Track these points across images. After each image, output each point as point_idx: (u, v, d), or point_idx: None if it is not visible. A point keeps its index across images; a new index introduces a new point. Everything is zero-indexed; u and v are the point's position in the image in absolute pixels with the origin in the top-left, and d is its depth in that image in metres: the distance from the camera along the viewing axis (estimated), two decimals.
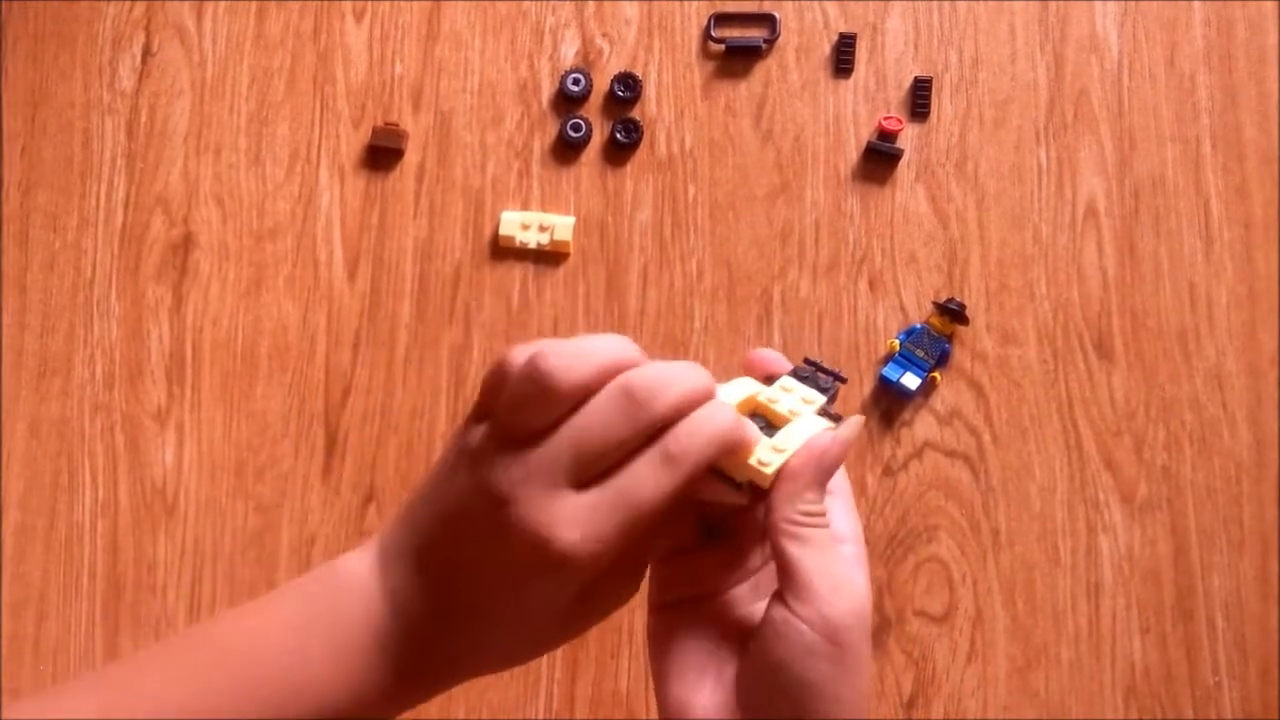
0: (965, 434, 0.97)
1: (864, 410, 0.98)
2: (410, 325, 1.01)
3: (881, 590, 0.96)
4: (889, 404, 0.98)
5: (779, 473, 0.50)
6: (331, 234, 1.03)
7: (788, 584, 0.49)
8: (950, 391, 0.98)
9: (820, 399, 0.55)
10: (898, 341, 0.98)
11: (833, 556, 0.50)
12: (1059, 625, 0.95)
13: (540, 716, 0.96)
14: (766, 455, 0.50)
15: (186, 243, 1.03)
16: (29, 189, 1.04)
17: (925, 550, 0.96)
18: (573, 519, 0.46)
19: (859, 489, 0.97)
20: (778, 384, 0.55)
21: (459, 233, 1.03)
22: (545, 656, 0.95)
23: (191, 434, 1.01)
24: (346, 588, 0.52)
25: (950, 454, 0.97)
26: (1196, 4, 1.03)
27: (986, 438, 0.97)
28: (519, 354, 0.49)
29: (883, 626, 0.96)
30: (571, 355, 0.48)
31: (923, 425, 0.98)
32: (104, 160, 1.05)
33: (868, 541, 0.96)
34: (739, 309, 1.00)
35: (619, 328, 1.00)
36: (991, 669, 0.95)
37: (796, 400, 0.54)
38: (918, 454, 0.98)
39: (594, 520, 0.46)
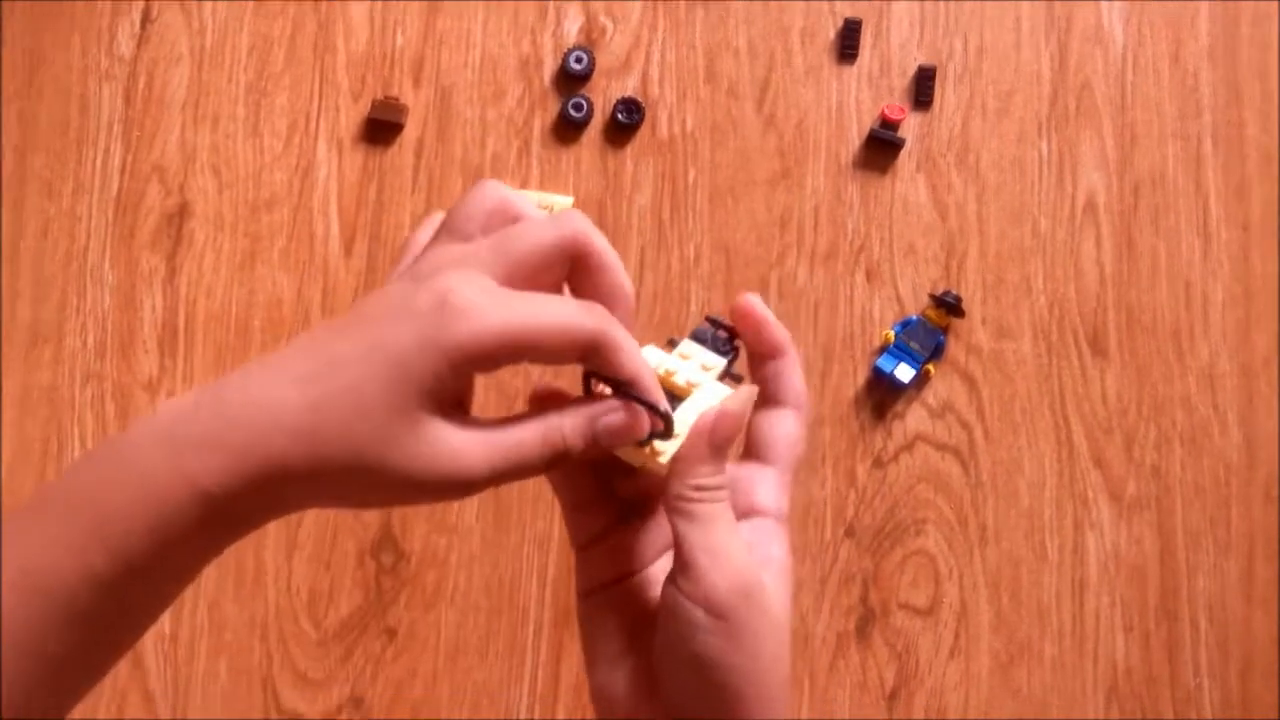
0: (957, 428, 0.98)
1: (856, 401, 0.98)
2: None
3: (867, 582, 0.97)
4: (882, 395, 0.99)
5: (676, 455, 0.50)
6: (328, 207, 1.02)
7: (676, 561, 0.49)
8: (943, 384, 0.98)
9: (721, 363, 0.54)
10: (893, 333, 0.98)
11: (718, 531, 0.49)
12: (1043, 621, 0.95)
13: (524, 698, 0.96)
14: (662, 441, 0.50)
15: (182, 212, 1.03)
16: (24, 154, 1.03)
17: (913, 543, 0.96)
18: (477, 294, 0.46)
19: (848, 479, 0.98)
20: (677, 350, 0.55)
21: None
22: (530, 639, 0.96)
23: None
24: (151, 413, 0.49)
25: (941, 447, 0.98)
26: (1203, 1, 1.02)
27: (978, 432, 0.97)
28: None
29: (867, 618, 0.96)
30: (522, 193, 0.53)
31: (914, 418, 0.98)
32: (101, 126, 1.04)
33: (856, 533, 0.97)
34: (736, 295, 0.99)
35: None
36: (974, 664, 0.95)
37: (696, 368, 0.54)
38: (908, 446, 0.98)
39: (492, 309, 0.46)
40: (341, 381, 0.46)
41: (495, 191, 0.50)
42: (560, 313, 0.47)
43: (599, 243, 0.50)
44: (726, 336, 0.55)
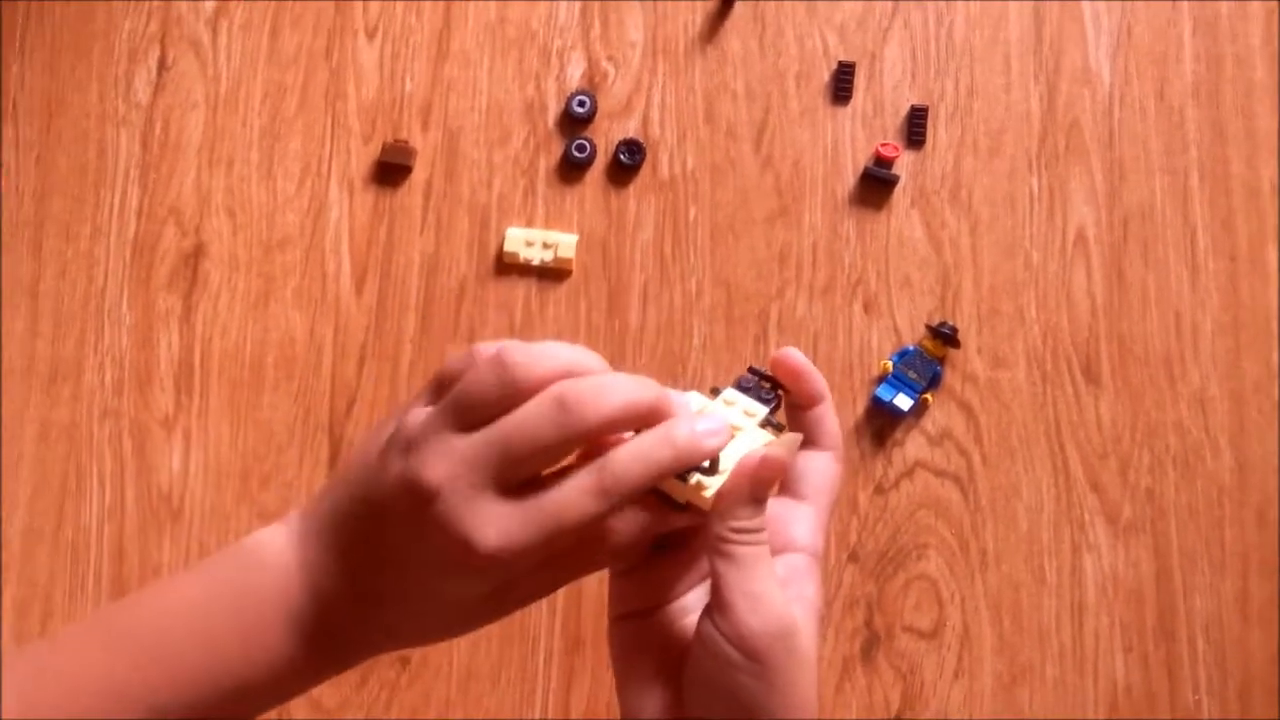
0: (955, 454, 1.00)
1: (856, 430, 1.01)
2: (415, 339, 1.04)
3: (871, 606, 0.99)
4: (881, 424, 1.01)
5: (719, 492, 0.51)
6: (340, 247, 1.05)
7: (713, 599, 0.50)
8: (941, 413, 1.01)
9: (763, 411, 0.56)
10: (891, 363, 1.00)
11: (758, 574, 0.50)
12: (1044, 643, 0.97)
13: None
14: (708, 476, 0.51)
15: (197, 253, 1.05)
16: (43, 197, 1.06)
17: (915, 568, 0.98)
18: (495, 525, 0.47)
19: (850, 506, 1.00)
20: (720, 397, 0.56)
21: (464, 248, 1.05)
22: (542, 665, 0.98)
23: (198, 441, 1.03)
24: (255, 565, 0.53)
25: (940, 474, 1.00)
26: (1187, 39, 1.06)
27: (976, 458, 1.00)
28: (485, 349, 0.51)
29: (872, 642, 0.98)
30: (534, 354, 0.50)
31: (914, 445, 1.00)
32: (118, 170, 1.07)
33: (860, 559, 0.99)
34: (737, 328, 1.02)
35: (619, 344, 1.02)
36: (978, 685, 0.97)
37: (738, 414, 0.56)
38: (909, 473, 1.00)
39: (515, 530, 0.47)
40: (402, 627, 0.53)
41: (499, 374, 0.49)
42: (572, 507, 0.48)
43: (602, 416, 0.48)
44: (769, 386, 0.57)
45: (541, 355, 0.50)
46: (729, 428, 0.52)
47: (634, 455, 0.49)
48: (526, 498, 0.48)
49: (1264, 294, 1.02)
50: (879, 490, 1.00)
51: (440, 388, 0.52)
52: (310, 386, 1.03)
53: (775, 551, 0.53)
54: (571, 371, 0.50)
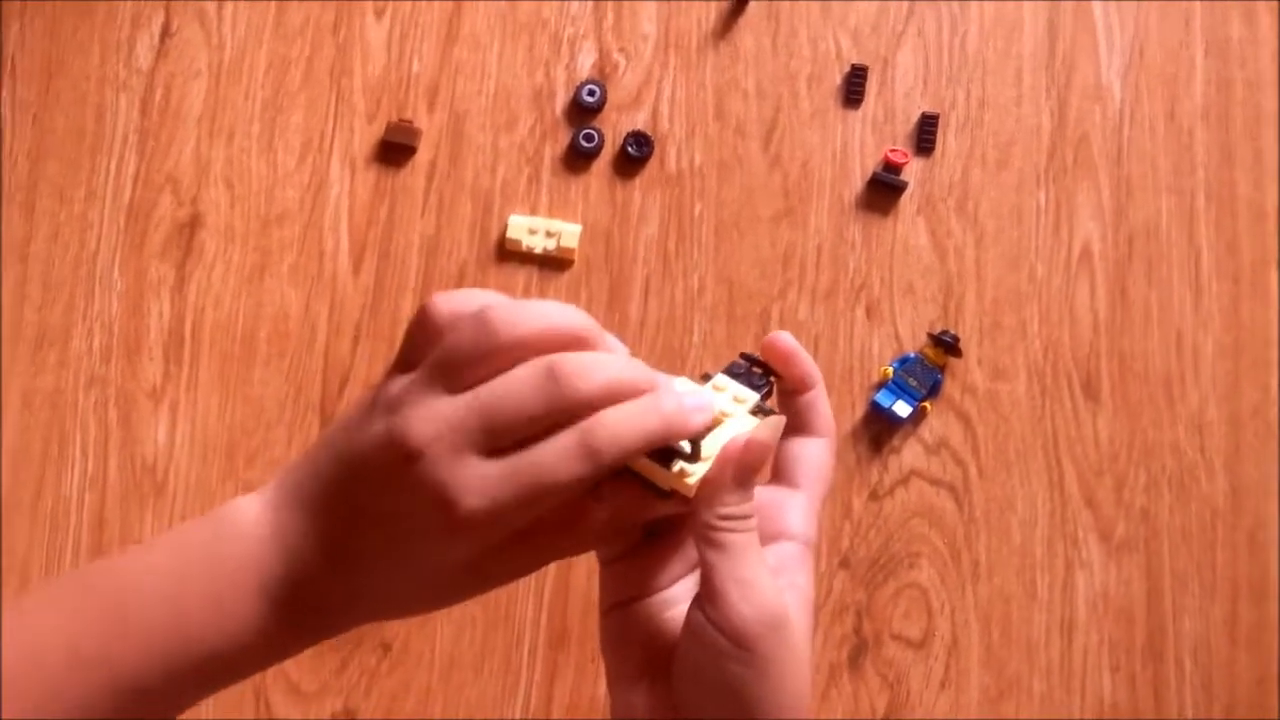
0: (951, 464, 0.99)
1: (854, 435, 1.00)
2: None
3: (860, 613, 0.98)
4: (879, 430, 1.00)
5: (704, 479, 0.50)
6: (339, 225, 1.04)
7: (703, 588, 0.49)
8: (939, 422, 1.00)
9: (754, 397, 0.55)
10: (891, 369, 1.00)
11: (747, 562, 0.49)
12: (1032, 658, 0.97)
13: (517, 716, 0.96)
14: (691, 463, 0.49)
15: (193, 223, 1.04)
16: (38, 159, 1.04)
17: (906, 576, 0.98)
18: (478, 487, 0.46)
19: (844, 511, 0.99)
20: (710, 383, 0.55)
21: (466, 233, 1.04)
22: (525, 658, 0.96)
23: (185, 414, 1.01)
24: (231, 534, 0.51)
25: (936, 483, 0.99)
26: (1199, 61, 1.06)
27: (972, 469, 0.99)
28: (443, 303, 0.49)
29: (860, 649, 0.97)
30: (522, 313, 0.48)
31: (911, 453, 1.00)
32: (116, 135, 1.05)
33: (851, 565, 0.98)
34: (738, 326, 1.02)
35: (618, 337, 1.01)
36: (964, 697, 0.96)
37: (728, 400, 0.54)
38: (904, 481, 0.99)
39: (498, 492, 0.46)
40: (379, 595, 0.51)
41: (485, 338, 0.47)
42: (554, 468, 0.47)
43: (593, 390, 0.47)
44: (761, 372, 0.56)
45: (527, 314, 0.48)
46: (712, 407, 0.50)
47: (620, 419, 0.47)
48: (509, 458, 0.47)
49: (1265, 318, 1.02)
50: (873, 496, 0.99)
51: (411, 349, 0.50)
52: (302, 364, 1.02)
53: (767, 540, 0.52)
54: (558, 330, 0.48)
